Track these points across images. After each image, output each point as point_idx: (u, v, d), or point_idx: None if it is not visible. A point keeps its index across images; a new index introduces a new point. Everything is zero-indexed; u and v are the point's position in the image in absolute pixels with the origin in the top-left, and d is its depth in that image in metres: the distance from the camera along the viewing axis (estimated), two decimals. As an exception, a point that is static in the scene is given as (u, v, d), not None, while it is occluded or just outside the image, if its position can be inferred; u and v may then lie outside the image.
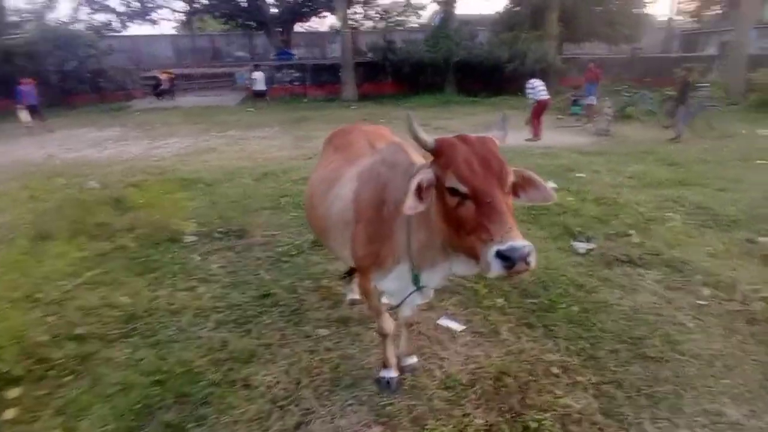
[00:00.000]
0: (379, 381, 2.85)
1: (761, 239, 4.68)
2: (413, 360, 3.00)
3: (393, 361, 2.87)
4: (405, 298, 2.41)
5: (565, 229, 5.12)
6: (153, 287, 4.11)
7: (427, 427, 2.53)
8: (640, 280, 4.02)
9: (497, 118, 2.07)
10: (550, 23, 20.64)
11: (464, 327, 3.45)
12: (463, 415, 2.60)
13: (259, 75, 19.61)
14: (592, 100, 13.47)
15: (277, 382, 2.90)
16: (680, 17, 30.90)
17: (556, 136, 11.50)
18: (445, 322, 3.51)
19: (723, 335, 3.27)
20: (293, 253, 4.80)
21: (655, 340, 3.21)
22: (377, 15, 29.04)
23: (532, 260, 1.58)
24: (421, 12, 30.76)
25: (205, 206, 6.38)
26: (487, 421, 2.56)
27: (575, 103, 14.77)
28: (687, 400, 2.69)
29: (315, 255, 4.76)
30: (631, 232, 4.80)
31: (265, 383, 2.89)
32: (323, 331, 3.45)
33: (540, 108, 11.05)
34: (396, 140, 2.46)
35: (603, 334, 3.31)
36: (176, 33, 34.21)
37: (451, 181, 1.72)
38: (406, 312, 2.60)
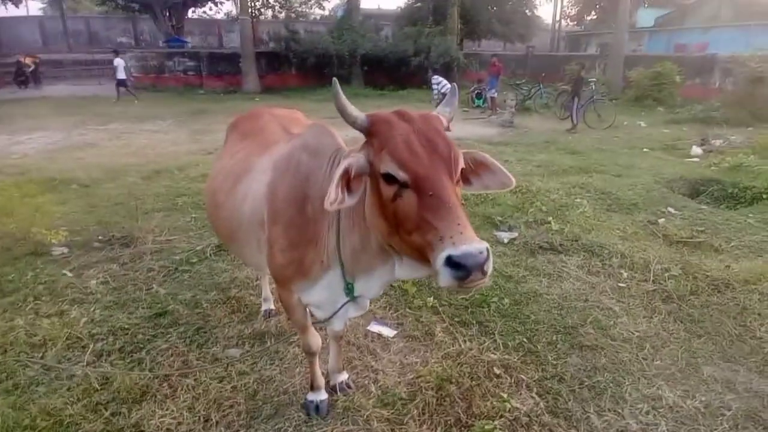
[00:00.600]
0: (306, 406, 2.43)
1: (660, 221, 4.99)
2: (344, 376, 2.62)
3: (321, 381, 2.47)
4: (336, 311, 2.01)
5: (486, 218, 5.06)
6: (9, 315, 3.24)
7: (367, 456, 2.17)
8: (563, 266, 4.02)
9: (451, 89, 1.74)
10: (452, 19, 21.24)
11: (396, 332, 3.15)
12: (407, 436, 2.28)
13: (119, 62, 16.99)
14: (494, 93, 14.04)
15: (179, 424, 2.35)
16: (565, 21, 33.86)
17: (464, 127, 11.73)
18: (375, 327, 3.17)
19: (646, 316, 3.32)
20: (194, 260, 4.15)
21: (587, 327, 3.16)
22: (277, 3, 27.79)
23: (489, 267, 1.28)
24: (324, 3, 30.09)
25: (80, 211, 5.36)
26: (433, 440, 2.27)
27: (478, 96, 15.32)
28: (626, 388, 2.63)
29: (220, 261, 4.15)
30: (549, 219, 4.85)
31: (164, 427, 2.32)
32: (235, 352, 2.93)
33: (447, 101, 11.36)
34: (319, 122, 2.05)
35: (537, 326, 3.19)
36: (43, 14, 29.84)
37: (387, 166, 1.38)
38: (337, 326, 2.20)
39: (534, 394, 2.59)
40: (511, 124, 12.01)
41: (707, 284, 3.64)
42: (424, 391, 2.58)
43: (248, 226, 2.13)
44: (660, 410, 2.48)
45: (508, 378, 2.71)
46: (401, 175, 1.35)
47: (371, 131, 1.48)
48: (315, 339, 2.34)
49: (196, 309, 3.39)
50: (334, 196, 1.41)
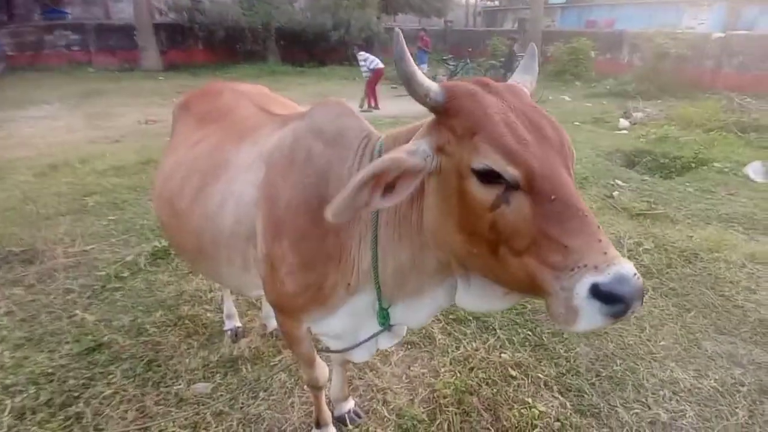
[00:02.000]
0: (313, 448, 2.00)
1: (614, 194, 5.09)
2: (350, 404, 2.22)
3: (328, 415, 2.07)
4: (362, 342, 1.58)
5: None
6: None
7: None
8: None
9: (529, 50, 1.35)
10: (369, -9, 20.56)
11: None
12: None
13: None
14: (423, 68, 13.83)
15: (151, 499, 1.81)
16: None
17: (396, 104, 11.38)
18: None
19: (634, 293, 3.28)
20: (124, 274, 3.43)
21: (586, 311, 3.03)
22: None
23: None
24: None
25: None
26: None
27: (404, 72, 15.03)
28: (642, 374, 2.53)
29: (159, 272, 3.47)
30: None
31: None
32: (203, 387, 2.40)
33: (376, 77, 11.00)
34: (332, 98, 1.57)
35: (536, 316, 3.01)
36: None
37: (487, 158, 0.97)
38: (359, 357, 1.73)
39: (556, 394, 2.40)
40: (441, 100, 11.90)
41: (678, 256, 3.70)
42: (444, 408, 2.26)
43: (229, 240, 1.62)
44: (681, 395, 2.40)
45: (525, 379, 2.49)
46: (511, 172, 0.95)
47: (449, 108, 1.05)
48: (323, 371, 1.90)
49: (140, 337, 2.76)
50: (347, 201, 1.00)
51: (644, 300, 0.96)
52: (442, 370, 2.52)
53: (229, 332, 2.79)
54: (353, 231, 1.38)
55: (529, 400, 2.32)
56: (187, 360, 2.58)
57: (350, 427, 2.14)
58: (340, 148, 1.39)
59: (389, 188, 1.05)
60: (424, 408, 2.27)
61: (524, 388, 2.42)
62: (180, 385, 2.40)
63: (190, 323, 2.89)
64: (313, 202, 1.38)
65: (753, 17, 14.55)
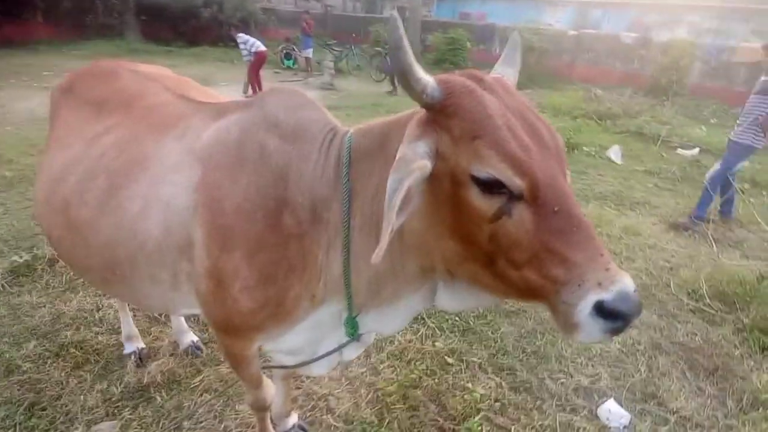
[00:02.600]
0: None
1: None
2: (294, 419, 2.04)
3: (273, 437, 1.85)
4: (323, 356, 1.42)
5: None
6: None
7: None
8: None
9: (511, 40, 1.27)
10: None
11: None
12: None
13: None
14: (309, 53, 13.40)
15: None
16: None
17: (283, 90, 10.93)
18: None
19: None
20: (-24, 298, 2.74)
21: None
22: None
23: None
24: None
25: None
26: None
27: (287, 56, 14.46)
28: (561, 345, 2.74)
29: (25, 293, 2.85)
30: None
31: None
32: (109, 427, 2.02)
33: (259, 61, 10.30)
34: (287, 86, 1.33)
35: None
36: None
37: (491, 167, 0.88)
38: (317, 371, 1.55)
39: (491, 375, 2.49)
40: (331, 87, 11.67)
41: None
42: (390, 406, 2.20)
43: (153, 254, 1.33)
44: (595, 359, 2.65)
45: (461, 364, 2.54)
46: (517, 183, 0.87)
47: (446, 106, 0.93)
48: (269, 390, 1.71)
49: (11, 376, 2.24)
50: (391, 235, 0.89)
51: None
52: (381, 366, 2.45)
53: (132, 356, 2.38)
54: (319, 236, 1.21)
55: (469, 385, 2.37)
56: (81, 397, 2.15)
57: (296, 444, 1.96)
58: (300, 143, 1.20)
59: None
60: (371, 409, 2.18)
61: (462, 373, 2.47)
62: (77, 429, 1.99)
63: (76, 351, 2.41)
64: (269, 205, 1.18)
65: (598, 18, 16.76)
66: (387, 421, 2.12)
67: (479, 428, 2.10)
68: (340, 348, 1.39)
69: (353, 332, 1.32)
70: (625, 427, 2.22)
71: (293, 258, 1.21)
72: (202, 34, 17.58)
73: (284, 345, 1.41)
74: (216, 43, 17.60)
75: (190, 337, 2.51)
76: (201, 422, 2.06)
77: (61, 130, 1.59)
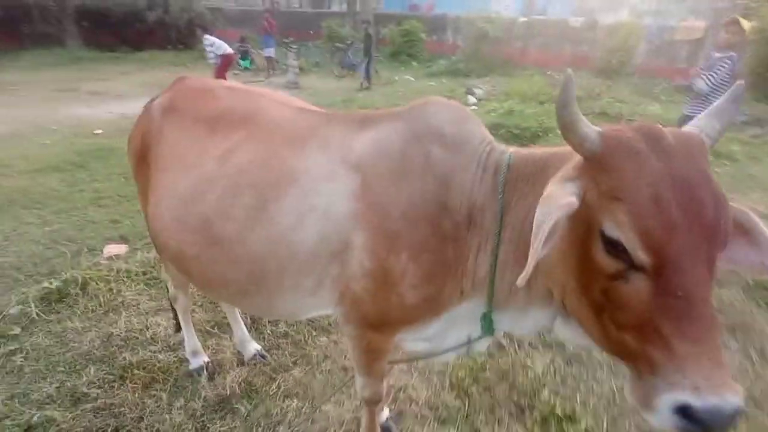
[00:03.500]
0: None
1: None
2: (386, 413, 2.13)
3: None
4: (454, 348, 1.52)
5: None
6: None
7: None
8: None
9: (733, 90, 1.06)
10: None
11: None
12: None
13: None
14: (271, 52, 13.15)
15: None
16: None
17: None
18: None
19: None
20: (14, 332, 2.65)
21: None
22: None
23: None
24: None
25: None
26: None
27: (244, 56, 14.12)
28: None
29: (65, 319, 2.76)
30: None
31: None
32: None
33: (225, 64, 10.07)
34: (441, 98, 1.41)
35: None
36: None
37: (620, 232, 0.91)
38: (445, 359, 1.63)
39: (543, 352, 2.66)
40: (296, 86, 11.55)
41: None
42: (466, 389, 2.33)
43: (304, 262, 1.40)
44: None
45: (514, 344, 2.70)
46: (641, 257, 0.89)
47: (601, 159, 0.96)
48: (384, 383, 1.79)
49: (80, 404, 2.19)
50: (535, 263, 0.92)
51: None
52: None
53: (201, 371, 2.38)
54: (473, 240, 1.33)
55: (528, 362, 2.54)
56: (165, 416, 2.14)
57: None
58: (462, 155, 1.32)
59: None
60: (450, 395, 2.31)
61: (516, 354, 2.63)
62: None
63: (140, 372, 2.39)
64: (432, 210, 1.29)
65: (543, 4, 17.45)
66: (468, 403, 2.26)
67: (551, 401, 2.28)
68: (474, 341, 1.50)
69: (488, 328, 1.43)
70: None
71: (450, 258, 1.33)
72: (149, 38, 16.82)
73: (423, 334, 1.51)
74: (165, 47, 16.89)
75: (254, 346, 2.54)
76: (295, 427, 2.11)
77: (177, 150, 1.59)
